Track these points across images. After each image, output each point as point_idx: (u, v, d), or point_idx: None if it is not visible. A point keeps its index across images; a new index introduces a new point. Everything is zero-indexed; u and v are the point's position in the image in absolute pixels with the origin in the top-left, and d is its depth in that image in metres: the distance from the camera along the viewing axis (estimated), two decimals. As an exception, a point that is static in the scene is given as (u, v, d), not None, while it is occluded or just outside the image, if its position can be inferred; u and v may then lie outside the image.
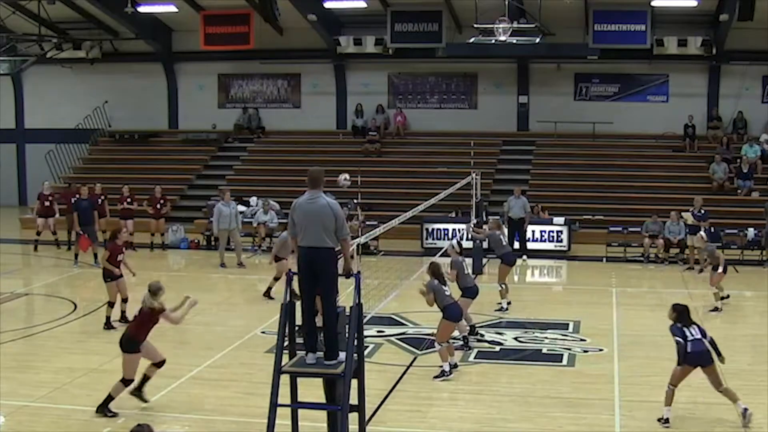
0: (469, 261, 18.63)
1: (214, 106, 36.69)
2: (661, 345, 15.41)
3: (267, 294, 19.47)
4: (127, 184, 28.10)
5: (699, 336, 11.84)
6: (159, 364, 12.39)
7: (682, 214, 24.57)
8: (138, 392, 12.18)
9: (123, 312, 17.07)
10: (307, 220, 9.72)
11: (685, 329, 11.87)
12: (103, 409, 11.89)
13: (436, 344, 14.05)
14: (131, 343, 12.16)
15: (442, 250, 18.40)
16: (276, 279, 19.33)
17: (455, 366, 14.00)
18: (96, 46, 35.24)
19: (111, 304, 17.03)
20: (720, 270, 18.70)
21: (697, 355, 11.77)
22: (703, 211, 24.42)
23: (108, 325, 16.76)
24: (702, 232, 20.22)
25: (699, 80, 33.05)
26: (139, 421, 11.58)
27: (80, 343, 15.98)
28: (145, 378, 12.28)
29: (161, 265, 25.71)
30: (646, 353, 15.05)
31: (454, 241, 17.41)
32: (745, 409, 11.54)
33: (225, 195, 24.78)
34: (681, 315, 12.07)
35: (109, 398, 11.90)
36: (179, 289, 22.17)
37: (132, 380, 12.08)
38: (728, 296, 18.91)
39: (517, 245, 24.31)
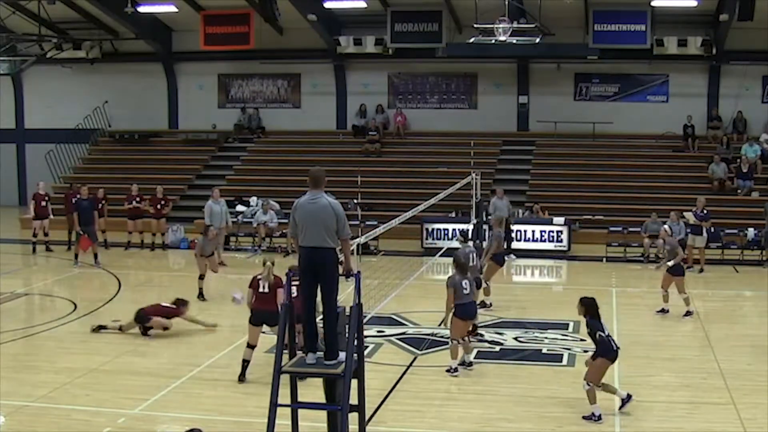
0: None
1: (214, 106, 36.69)
2: (661, 345, 15.47)
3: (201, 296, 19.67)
4: (134, 184, 28.22)
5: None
6: None
7: (684, 213, 24.54)
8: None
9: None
10: (308, 220, 9.70)
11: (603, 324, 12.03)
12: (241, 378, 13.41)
13: (450, 341, 14.13)
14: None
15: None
16: (201, 278, 19.80)
17: (469, 364, 14.10)
18: (96, 46, 35.25)
19: None
20: (671, 263, 17.72)
21: (616, 351, 11.96)
22: (705, 212, 24.40)
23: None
24: (666, 226, 19.70)
25: (699, 80, 33.04)
26: (138, 420, 11.64)
27: (81, 343, 15.97)
28: None
29: (161, 265, 25.74)
30: (646, 353, 15.05)
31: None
32: (629, 395, 12.02)
33: (214, 193, 24.88)
34: (590, 308, 12.16)
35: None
36: (178, 290, 22.30)
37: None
38: (667, 311, 18.08)
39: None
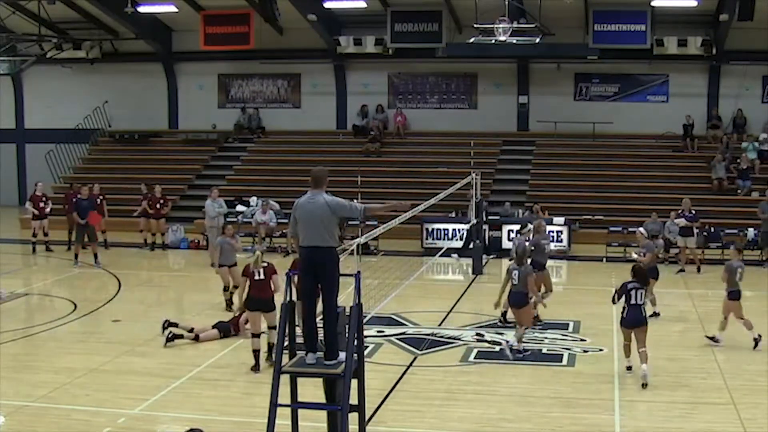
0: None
1: (214, 106, 36.69)
2: (661, 345, 15.45)
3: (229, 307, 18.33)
4: (143, 183, 28.30)
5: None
6: None
7: (675, 220, 24.53)
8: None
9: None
10: (307, 219, 9.72)
11: None
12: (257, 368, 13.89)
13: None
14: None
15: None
16: (226, 289, 18.49)
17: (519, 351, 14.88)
18: (96, 46, 35.24)
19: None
20: (647, 257, 17.27)
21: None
22: (693, 212, 24.40)
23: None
24: (642, 228, 19.40)
25: (699, 80, 33.03)
26: (138, 420, 11.65)
27: (80, 343, 15.98)
28: None
29: (161, 265, 25.74)
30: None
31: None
32: None
33: (213, 192, 24.87)
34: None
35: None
36: (179, 290, 22.35)
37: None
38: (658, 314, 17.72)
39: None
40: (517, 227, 26.24)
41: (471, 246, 24.13)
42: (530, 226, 18.36)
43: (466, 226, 25.32)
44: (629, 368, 13.87)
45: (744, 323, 15.59)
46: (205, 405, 12.42)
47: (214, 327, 16.04)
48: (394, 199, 28.97)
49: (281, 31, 33.98)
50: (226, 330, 16.03)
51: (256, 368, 13.93)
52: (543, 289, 17.10)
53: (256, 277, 14.31)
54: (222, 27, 33.63)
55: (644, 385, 13.05)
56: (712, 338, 15.66)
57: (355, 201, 10.35)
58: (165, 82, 36.81)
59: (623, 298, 13.78)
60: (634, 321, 13.62)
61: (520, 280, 14.93)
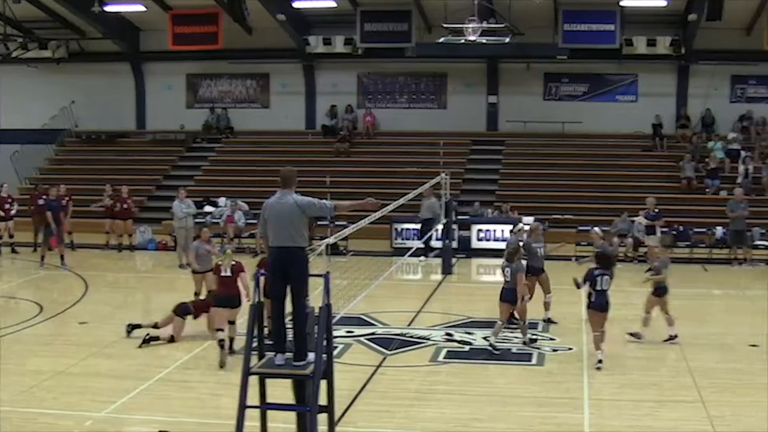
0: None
1: (182, 106, 36.51)
2: (629, 344, 15.51)
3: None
4: (108, 184, 28.05)
5: None
6: None
7: (632, 217, 24.68)
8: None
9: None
10: (276, 219, 9.69)
11: None
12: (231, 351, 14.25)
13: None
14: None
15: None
16: (197, 294, 17.45)
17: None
18: (62, 46, 34.96)
19: None
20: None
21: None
22: (656, 211, 24.56)
23: None
24: (596, 228, 19.29)
25: (668, 80, 33.27)
26: (106, 422, 11.52)
27: (47, 345, 15.78)
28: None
29: (128, 266, 25.53)
30: (615, 351, 15.09)
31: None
32: None
33: (180, 193, 24.75)
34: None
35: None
36: (146, 291, 22.18)
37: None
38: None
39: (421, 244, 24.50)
40: (486, 227, 26.54)
41: (430, 244, 24.24)
42: (520, 225, 18.83)
43: (417, 226, 25.43)
44: (600, 362, 14.08)
45: (667, 319, 15.79)
46: (173, 407, 12.30)
47: (175, 313, 15.76)
48: (363, 198, 29.01)
49: (250, 31, 33.84)
50: (186, 311, 15.78)
51: (230, 351, 14.42)
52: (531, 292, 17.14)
53: (223, 274, 14.74)
54: (190, 27, 33.48)
55: (599, 368, 13.86)
56: (634, 334, 15.83)
57: (324, 200, 10.26)
58: (133, 82, 36.57)
59: (588, 284, 14.40)
60: (602, 305, 14.32)
61: (511, 277, 15.24)
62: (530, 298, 16.52)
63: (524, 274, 15.68)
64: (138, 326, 15.87)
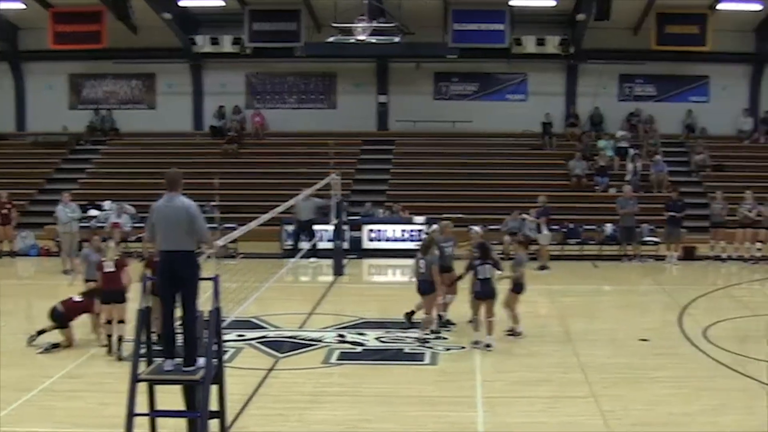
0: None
1: (64, 107, 35.55)
2: (520, 341, 15.64)
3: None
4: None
5: None
6: None
7: (523, 215, 25.00)
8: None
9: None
10: (165, 223, 9.55)
11: None
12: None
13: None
14: None
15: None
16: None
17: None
18: (-64, 44, 33.72)
19: None
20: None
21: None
22: (543, 209, 24.97)
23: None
24: (476, 228, 19.07)
25: (557, 79, 33.83)
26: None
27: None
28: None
29: (9, 273, 24.65)
30: (507, 349, 15.20)
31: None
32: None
33: (64, 197, 24.07)
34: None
35: None
36: (28, 298, 21.44)
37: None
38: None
39: (307, 245, 24.47)
40: (377, 227, 26.54)
41: (298, 246, 24.19)
42: (435, 226, 19.00)
43: (290, 228, 25.39)
44: (476, 343, 15.08)
45: (513, 316, 16.06)
46: (59, 417, 11.86)
47: (51, 318, 15.25)
48: (254, 201, 28.72)
49: (135, 30, 33.10)
50: (61, 318, 15.18)
51: (110, 351, 14.59)
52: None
53: (107, 270, 14.91)
54: (72, 25, 32.57)
55: (488, 346, 14.89)
56: (512, 332, 15.98)
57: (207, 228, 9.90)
58: (12, 82, 35.46)
59: (471, 274, 15.34)
60: (487, 293, 15.12)
61: (426, 269, 15.83)
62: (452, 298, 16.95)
63: (437, 265, 15.97)
64: (43, 331, 15.35)
